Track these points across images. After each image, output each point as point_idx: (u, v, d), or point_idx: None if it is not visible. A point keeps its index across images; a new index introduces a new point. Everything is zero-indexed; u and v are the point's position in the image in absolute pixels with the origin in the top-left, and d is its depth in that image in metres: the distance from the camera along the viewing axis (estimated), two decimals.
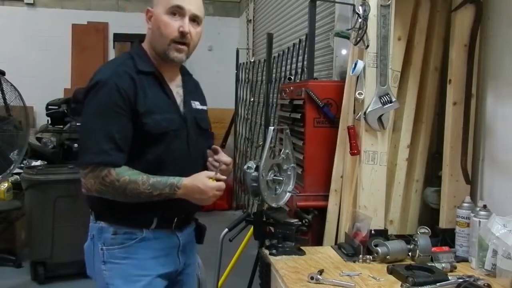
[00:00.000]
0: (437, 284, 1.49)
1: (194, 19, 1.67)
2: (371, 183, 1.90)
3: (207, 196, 1.61)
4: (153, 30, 1.69)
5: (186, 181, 1.60)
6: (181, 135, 1.69)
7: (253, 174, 1.77)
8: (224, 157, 1.75)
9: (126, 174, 1.56)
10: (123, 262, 1.66)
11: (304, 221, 1.99)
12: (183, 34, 1.64)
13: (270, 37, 4.29)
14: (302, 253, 1.80)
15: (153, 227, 1.68)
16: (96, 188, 1.58)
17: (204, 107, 1.85)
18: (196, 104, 1.80)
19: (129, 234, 1.66)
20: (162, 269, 1.71)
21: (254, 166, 1.77)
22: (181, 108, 1.73)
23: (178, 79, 1.78)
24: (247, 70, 6.19)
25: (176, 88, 1.76)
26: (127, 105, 1.59)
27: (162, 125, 1.63)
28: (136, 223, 1.66)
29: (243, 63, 6.42)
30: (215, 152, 1.78)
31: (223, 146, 6.10)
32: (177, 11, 1.64)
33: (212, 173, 1.64)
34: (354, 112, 2.00)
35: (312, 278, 1.55)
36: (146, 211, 1.64)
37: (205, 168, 1.75)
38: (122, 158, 1.58)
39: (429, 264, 1.66)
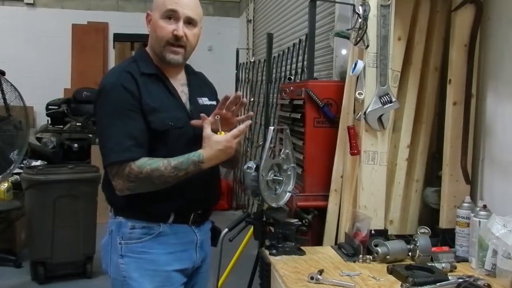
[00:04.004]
0: (437, 284, 1.49)
1: (190, 22, 1.71)
2: (371, 183, 1.90)
3: (231, 149, 1.65)
4: (152, 34, 1.75)
5: (205, 153, 1.63)
6: (188, 131, 1.72)
7: (253, 174, 1.77)
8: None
9: (146, 164, 1.60)
10: (141, 257, 1.71)
11: (304, 221, 1.99)
12: (177, 37, 1.69)
13: (270, 37, 4.29)
14: (302, 253, 1.80)
15: (170, 222, 1.72)
16: (126, 187, 1.63)
17: (213, 102, 1.89)
18: (204, 101, 1.85)
19: (147, 228, 1.71)
20: (179, 265, 1.76)
21: (254, 166, 1.78)
22: (187, 106, 1.78)
23: (183, 79, 1.83)
24: (247, 70, 6.20)
25: (181, 87, 1.80)
26: (137, 103, 1.65)
27: (166, 122, 1.68)
28: (153, 218, 1.71)
29: (243, 63, 6.42)
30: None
31: None
32: (171, 15, 1.69)
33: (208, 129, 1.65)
34: (354, 112, 2.00)
35: (312, 278, 1.55)
36: (163, 205, 1.69)
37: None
38: (143, 153, 1.63)
39: (429, 264, 1.66)
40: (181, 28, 1.68)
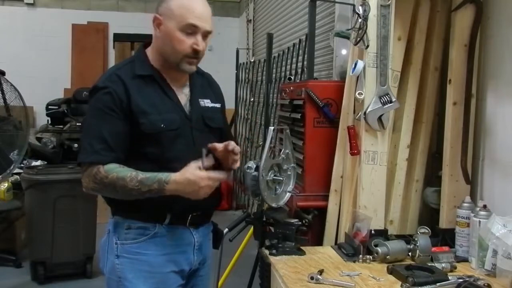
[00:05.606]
0: (437, 284, 1.49)
1: (206, 35, 1.70)
2: (371, 183, 1.90)
3: (198, 187, 1.54)
4: (164, 42, 1.69)
5: (175, 175, 1.57)
6: (185, 134, 1.70)
7: (253, 174, 1.77)
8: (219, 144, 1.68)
9: (115, 171, 1.59)
10: (136, 258, 1.70)
11: (304, 221, 1.99)
12: (196, 52, 1.67)
13: (270, 37, 4.29)
14: (302, 253, 1.80)
15: (167, 223, 1.71)
16: (91, 186, 1.64)
17: (217, 105, 1.86)
18: (206, 102, 1.82)
19: (142, 229, 1.70)
20: (174, 266, 1.74)
21: (254, 166, 1.78)
22: (187, 107, 1.76)
23: (185, 80, 1.80)
24: (247, 70, 6.20)
25: (182, 88, 1.78)
26: (119, 107, 1.64)
27: (158, 125, 1.66)
28: (149, 218, 1.70)
29: (243, 63, 6.42)
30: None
31: None
32: (192, 29, 1.66)
33: (199, 163, 1.57)
34: (354, 112, 2.00)
35: (312, 278, 1.55)
36: (160, 206, 1.67)
37: None
38: (113, 157, 1.63)
39: (429, 264, 1.67)
40: (200, 43, 1.66)
